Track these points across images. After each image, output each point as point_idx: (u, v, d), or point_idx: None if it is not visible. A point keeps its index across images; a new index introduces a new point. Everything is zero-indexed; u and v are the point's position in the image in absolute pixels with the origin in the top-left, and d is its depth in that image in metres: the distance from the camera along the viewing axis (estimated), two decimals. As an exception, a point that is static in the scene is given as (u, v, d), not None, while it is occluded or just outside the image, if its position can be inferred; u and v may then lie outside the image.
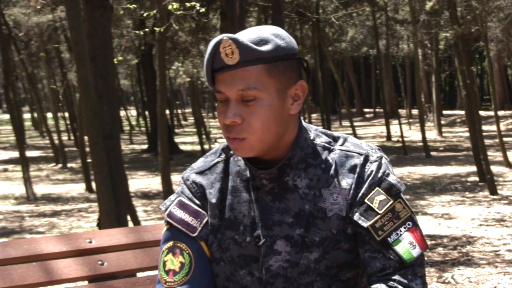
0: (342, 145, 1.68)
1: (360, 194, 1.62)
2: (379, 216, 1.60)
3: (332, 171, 1.65)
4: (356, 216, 1.61)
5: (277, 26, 1.65)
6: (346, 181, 1.63)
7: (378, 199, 1.61)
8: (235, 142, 1.60)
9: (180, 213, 1.70)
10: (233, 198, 1.68)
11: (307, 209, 1.63)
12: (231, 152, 1.72)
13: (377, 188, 1.62)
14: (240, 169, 1.70)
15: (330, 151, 1.67)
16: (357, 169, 1.63)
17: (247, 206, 1.67)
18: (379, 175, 1.63)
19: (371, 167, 1.63)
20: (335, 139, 1.70)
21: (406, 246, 1.59)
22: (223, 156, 1.74)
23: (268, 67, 1.57)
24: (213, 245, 1.68)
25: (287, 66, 1.60)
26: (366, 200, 1.61)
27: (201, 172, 1.73)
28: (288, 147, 1.65)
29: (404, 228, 1.61)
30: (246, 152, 1.61)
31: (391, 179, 1.63)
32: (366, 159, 1.64)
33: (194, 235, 1.68)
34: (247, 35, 1.59)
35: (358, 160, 1.64)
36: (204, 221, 1.69)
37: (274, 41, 1.58)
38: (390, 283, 1.57)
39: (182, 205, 1.71)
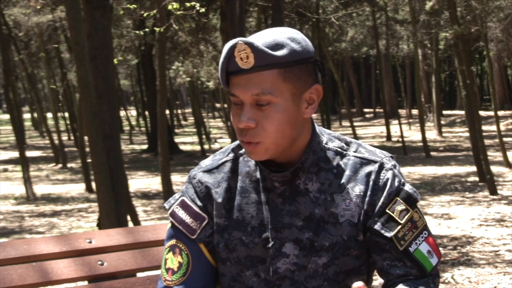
0: (356, 151, 1.68)
1: (380, 203, 1.62)
2: (400, 226, 1.61)
3: (345, 177, 1.65)
4: (378, 226, 1.62)
5: (293, 29, 1.64)
6: (360, 188, 1.64)
7: (398, 209, 1.62)
8: (250, 146, 1.59)
9: (181, 214, 1.71)
10: (241, 199, 1.68)
11: (318, 213, 1.63)
12: (240, 152, 1.72)
13: (396, 197, 1.63)
14: (250, 169, 1.69)
15: (343, 156, 1.67)
16: (372, 176, 1.64)
17: (255, 207, 1.67)
18: (396, 184, 1.64)
19: (387, 175, 1.64)
20: (348, 144, 1.70)
21: (425, 255, 1.62)
22: (231, 155, 1.73)
23: (283, 72, 1.56)
24: (220, 245, 1.68)
25: (303, 70, 1.59)
26: (387, 210, 1.62)
27: (208, 171, 1.73)
28: (301, 150, 1.65)
29: (422, 237, 1.63)
30: (260, 156, 1.60)
31: (408, 188, 1.65)
32: (381, 166, 1.65)
33: (193, 237, 1.69)
34: (262, 39, 1.57)
35: (373, 168, 1.65)
36: (204, 223, 1.69)
37: (289, 45, 1.57)
38: (419, 286, 1.59)
39: (184, 206, 1.71)
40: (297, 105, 1.59)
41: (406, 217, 1.62)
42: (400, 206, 1.62)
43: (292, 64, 1.57)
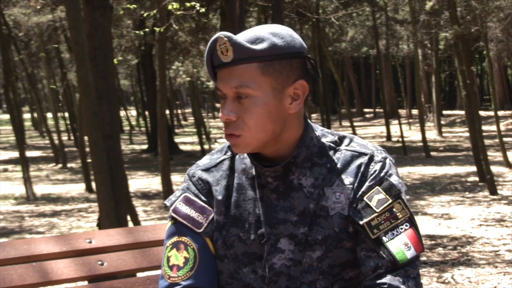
0: (348, 145, 1.69)
1: (360, 192, 1.63)
2: (376, 214, 1.60)
3: (337, 171, 1.65)
4: (353, 213, 1.62)
5: (283, 26, 1.65)
6: (349, 180, 1.64)
7: (376, 198, 1.62)
8: (232, 138, 1.61)
9: (185, 209, 1.70)
10: (238, 196, 1.69)
11: (312, 208, 1.64)
12: None
13: (377, 187, 1.62)
14: (246, 166, 1.71)
15: (336, 150, 1.68)
16: (361, 169, 1.64)
17: (252, 203, 1.67)
18: (381, 174, 1.63)
19: (375, 167, 1.64)
20: (341, 138, 1.70)
21: (400, 246, 1.59)
22: (229, 153, 1.75)
23: (262, 66, 1.58)
24: (218, 242, 1.69)
25: (285, 65, 1.60)
26: (364, 198, 1.62)
27: (207, 169, 1.74)
28: (292, 145, 1.65)
29: (401, 229, 1.60)
30: (241, 149, 1.62)
31: (393, 179, 1.63)
32: (371, 159, 1.65)
33: (200, 230, 1.69)
34: (245, 34, 1.60)
35: (363, 160, 1.65)
36: (210, 217, 1.70)
37: (270, 40, 1.58)
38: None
39: (188, 201, 1.71)
40: (279, 99, 1.60)
41: (383, 206, 1.61)
42: (379, 196, 1.62)
43: (272, 58, 1.58)
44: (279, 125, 1.61)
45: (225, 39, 1.56)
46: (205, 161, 1.77)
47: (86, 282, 2.07)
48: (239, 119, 1.59)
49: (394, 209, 1.61)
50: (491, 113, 23.43)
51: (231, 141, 1.62)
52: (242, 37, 1.59)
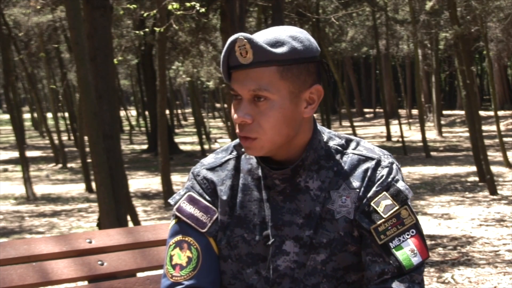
0: (355, 148, 1.69)
1: (367, 197, 1.63)
2: (383, 220, 1.61)
3: (343, 174, 1.65)
4: (360, 218, 1.62)
5: (298, 28, 1.64)
6: (356, 184, 1.64)
7: (384, 203, 1.62)
8: (246, 141, 1.61)
9: (189, 208, 1.70)
10: (243, 196, 1.69)
11: (317, 211, 1.64)
12: (243, 149, 1.72)
13: (384, 192, 1.63)
14: (252, 167, 1.70)
15: (343, 154, 1.68)
16: (368, 173, 1.64)
17: (257, 204, 1.67)
18: (389, 180, 1.64)
19: (382, 172, 1.64)
20: (348, 142, 1.70)
21: (407, 253, 1.60)
22: (234, 153, 1.74)
23: (281, 70, 1.57)
24: (222, 242, 1.68)
25: (303, 69, 1.59)
26: (372, 203, 1.62)
27: (211, 169, 1.73)
28: (301, 148, 1.65)
29: (407, 235, 1.62)
30: (256, 152, 1.61)
31: (400, 185, 1.64)
32: (378, 163, 1.65)
33: (204, 230, 1.68)
34: (264, 36, 1.59)
35: (370, 164, 1.65)
36: (214, 217, 1.69)
37: (290, 43, 1.58)
38: None
39: (192, 200, 1.71)
40: (295, 104, 1.60)
41: (391, 212, 1.61)
42: (386, 201, 1.62)
43: (291, 63, 1.58)
44: (293, 129, 1.61)
45: (245, 40, 1.55)
46: (210, 160, 1.76)
47: (86, 282, 2.07)
48: (255, 121, 1.59)
49: (401, 215, 1.62)
50: (491, 113, 23.44)
51: (245, 144, 1.61)
52: (262, 39, 1.57)
